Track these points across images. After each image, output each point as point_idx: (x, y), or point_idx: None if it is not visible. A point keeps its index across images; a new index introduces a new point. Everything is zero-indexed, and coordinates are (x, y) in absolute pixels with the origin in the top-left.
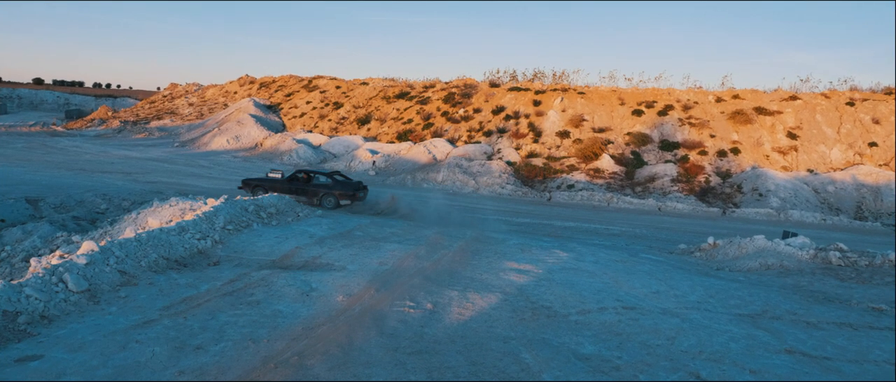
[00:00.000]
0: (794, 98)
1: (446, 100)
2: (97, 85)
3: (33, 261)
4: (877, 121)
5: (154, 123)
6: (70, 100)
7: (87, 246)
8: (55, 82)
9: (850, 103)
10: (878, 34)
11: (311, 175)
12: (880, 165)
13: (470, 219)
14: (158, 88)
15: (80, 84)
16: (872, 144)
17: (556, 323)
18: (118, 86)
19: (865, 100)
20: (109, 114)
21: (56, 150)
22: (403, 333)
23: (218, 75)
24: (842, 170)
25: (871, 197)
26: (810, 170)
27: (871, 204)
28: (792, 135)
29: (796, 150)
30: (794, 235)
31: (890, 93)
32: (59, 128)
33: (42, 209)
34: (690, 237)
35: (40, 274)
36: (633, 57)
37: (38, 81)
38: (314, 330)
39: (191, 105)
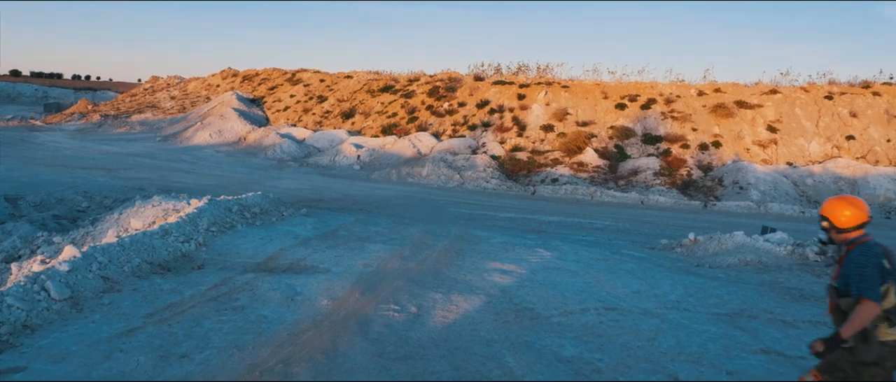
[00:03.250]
0: (774, 91)
1: (431, 93)
2: (76, 77)
3: (14, 268)
4: (854, 115)
5: (135, 117)
6: (49, 94)
7: (69, 251)
8: (33, 74)
9: (829, 97)
10: (857, 27)
11: None
12: (857, 158)
13: (454, 215)
14: (139, 81)
15: (59, 76)
16: (850, 137)
17: (539, 325)
18: (97, 78)
19: (843, 93)
20: (89, 107)
21: (35, 146)
22: (388, 338)
23: (200, 68)
24: (820, 163)
25: (849, 189)
26: (790, 163)
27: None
28: (772, 129)
29: (776, 143)
30: (773, 231)
31: (867, 87)
32: (38, 123)
33: (21, 207)
34: (672, 231)
35: (22, 282)
36: (616, 50)
37: (16, 73)
38: (299, 336)
39: (173, 98)
